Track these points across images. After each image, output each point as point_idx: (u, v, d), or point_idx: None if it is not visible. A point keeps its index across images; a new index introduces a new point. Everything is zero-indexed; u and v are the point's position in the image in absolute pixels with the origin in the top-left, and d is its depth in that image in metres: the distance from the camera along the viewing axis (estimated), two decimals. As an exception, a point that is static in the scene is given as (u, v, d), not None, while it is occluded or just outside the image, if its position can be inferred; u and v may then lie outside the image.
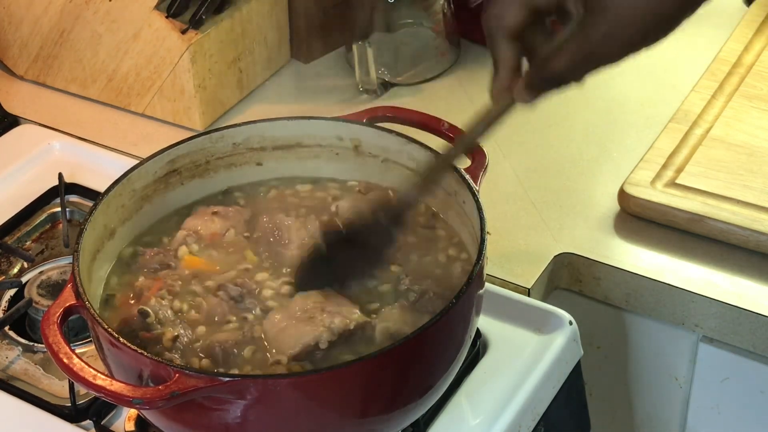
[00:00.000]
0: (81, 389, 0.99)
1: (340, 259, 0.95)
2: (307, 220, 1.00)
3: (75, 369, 0.81)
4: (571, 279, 1.18)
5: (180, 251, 0.99)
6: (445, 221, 1.01)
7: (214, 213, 1.03)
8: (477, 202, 0.94)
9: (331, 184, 1.07)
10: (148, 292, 0.95)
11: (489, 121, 0.90)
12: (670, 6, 0.80)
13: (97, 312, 0.87)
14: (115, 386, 0.80)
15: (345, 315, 0.89)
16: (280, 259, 0.98)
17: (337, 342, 0.88)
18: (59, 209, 1.23)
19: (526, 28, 0.86)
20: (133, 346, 0.83)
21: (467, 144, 0.96)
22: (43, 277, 1.13)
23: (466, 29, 1.51)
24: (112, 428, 0.99)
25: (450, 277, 0.96)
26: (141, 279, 0.97)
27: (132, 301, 0.95)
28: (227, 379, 0.80)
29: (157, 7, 1.32)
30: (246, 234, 1.01)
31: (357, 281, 0.94)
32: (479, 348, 1.05)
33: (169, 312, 0.93)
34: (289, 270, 0.96)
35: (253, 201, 1.05)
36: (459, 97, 1.41)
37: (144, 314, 0.92)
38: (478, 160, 1.01)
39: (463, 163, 1.00)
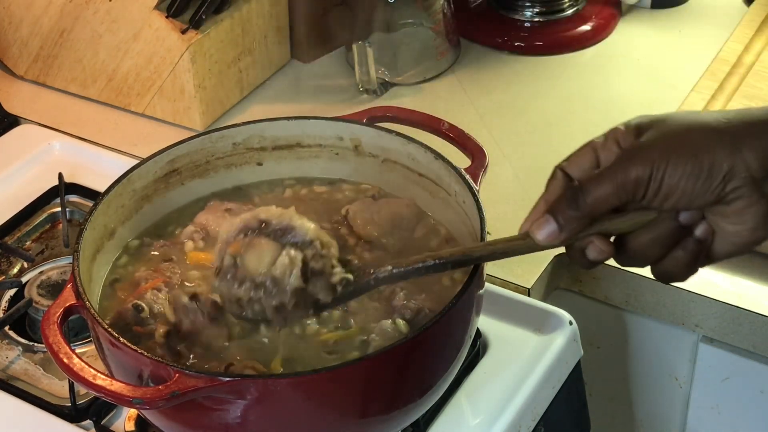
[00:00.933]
0: (81, 389, 0.99)
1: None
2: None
3: (75, 369, 0.81)
4: (571, 279, 1.18)
5: (186, 246, 0.99)
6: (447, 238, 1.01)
7: (227, 210, 1.02)
8: (477, 201, 0.94)
9: (345, 186, 1.06)
10: (146, 284, 0.95)
11: (501, 251, 0.85)
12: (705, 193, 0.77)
13: (97, 310, 0.87)
14: (115, 386, 0.80)
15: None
16: None
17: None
18: (59, 209, 1.23)
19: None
20: (133, 346, 0.83)
21: (462, 259, 0.87)
22: (43, 277, 1.13)
23: (466, 29, 1.51)
24: (112, 428, 0.99)
25: (447, 292, 0.95)
26: (142, 270, 0.97)
27: (131, 293, 0.95)
28: (227, 379, 0.80)
29: (157, 7, 1.32)
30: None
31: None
32: (479, 348, 1.05)
33: (166, 306, 0.93)
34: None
35: (267, 200, 1.05)
36: (459, 97, 1.41)
37: (138, 308, 0.92)
38: (478, 160, 1.01)
39: (463, 163, 1.01)
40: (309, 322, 0.91)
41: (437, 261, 0.86)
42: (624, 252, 0.81)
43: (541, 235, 0.81)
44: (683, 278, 0.81)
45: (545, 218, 0.81)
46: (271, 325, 0.88)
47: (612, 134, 0.82)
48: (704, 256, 0.80)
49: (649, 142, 0.78)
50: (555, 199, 0.81)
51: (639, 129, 0.81)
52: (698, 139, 0.77)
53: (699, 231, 0.80)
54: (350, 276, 0.87)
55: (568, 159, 0.83)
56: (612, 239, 0.81)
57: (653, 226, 0.79)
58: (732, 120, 0.78)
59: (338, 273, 0.87)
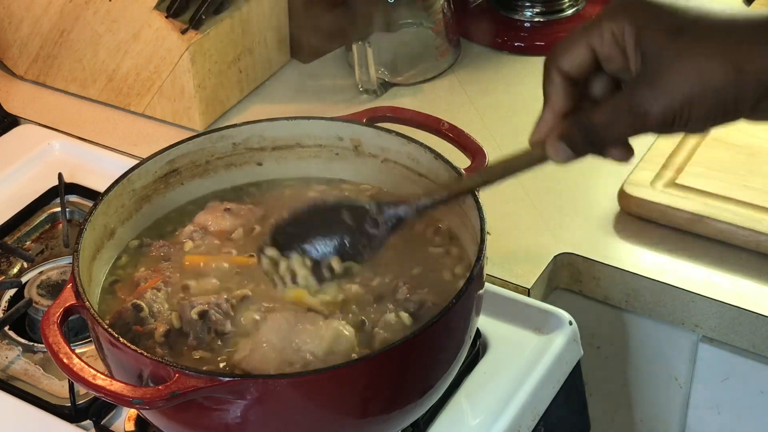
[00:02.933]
0: (81, 389, 0.99)
1: (321, 228, 0.92)
2: None
3: (75, 369, 0.81)
4: (571, 279, 1.18)
5: (186, 245, 0.99)
6: (449, 235, 1.01)
7: (227, 209, 1.03)
8: (477, 202, 0.94)
9: (345, 186, 1.06)
10: (145, 283, 0.95)
11: (516, 166, 0.86)
12: (723, 79, 0.74)
13: (97, 311, 0.87)
14: (115, 386, 0.80)
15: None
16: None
17: None
18: (59, 209, 1.23)
19: (585, 80, 0.81)
20: (133, 347, 0.83)
21: (484, 182, 0.89)
22: (43, 277, 1.13)
23: (466, 29, 1.51)
24: (112, 428, 0.99)
25: (449, 286, 0.95)
26: (142, 270, 0.97)
27: (131, 293, 0.95)
28: (227, 379, 0.80)
29: (157, 7, 1.32)
30: (254, 234, 1.01)
31: (330, 257, 0.92)
32: (479, 348, 1.05)
33: (165, 306, 0.93)
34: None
35: (267, 200, 1.05)
36: (459, 97, 1.41)
37: (137, 308, 0.92)
38: (478, 160, 1.01)
39: (463, 163, 1.01)
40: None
41: (465, 184, 0.91)
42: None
43: (558, 157, 0.82)
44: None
45: (561, 146, 0.81)
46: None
47: (609, 28, 0.78)
48: None
49: (664, 79, 0.76)
50: (567, 129, 0.81)
51: (643, 36, 0.77)
52: (719, 74, 0.75)
53: None
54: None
55: (561, 54, 0.81)
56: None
57: None
58: (734, 41, 0.75)
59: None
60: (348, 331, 0.89)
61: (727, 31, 0.75)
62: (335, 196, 0.93)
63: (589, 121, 0.80)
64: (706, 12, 0.76)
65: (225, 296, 0.93)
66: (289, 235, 0.93)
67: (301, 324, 0.89)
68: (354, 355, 0.88)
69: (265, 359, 0.88)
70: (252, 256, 0.97)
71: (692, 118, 0.76)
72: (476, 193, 0.95)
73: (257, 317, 0.91)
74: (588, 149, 0.81)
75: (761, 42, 0.75)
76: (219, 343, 0.90)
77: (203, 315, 0.90)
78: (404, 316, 0.90)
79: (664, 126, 0.77)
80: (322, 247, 0.93)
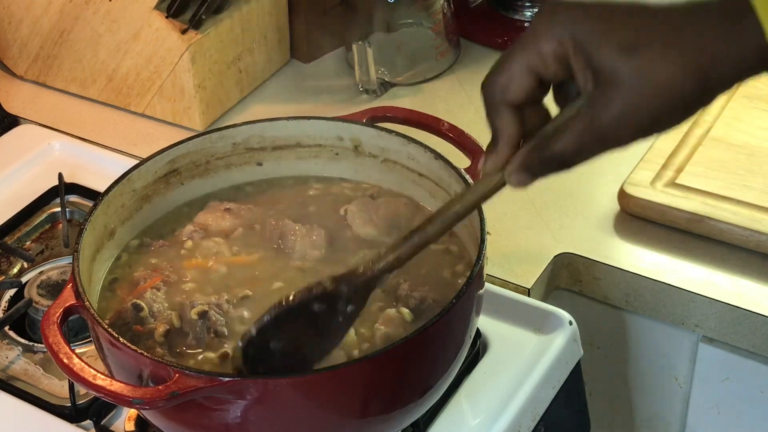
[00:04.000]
0: (81, 389, 0.99)
1: (290, 337, 0.85)
2: (313, 228, 1.00)
3: (75, 369, 0.81)
4: (571, 279, 1.18)
5: (186, 244, 1.00)
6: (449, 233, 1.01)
7: (227, 209, 1.03)
8: (477, 202, 0.94)
9: (344, 184, 1.06)
10: (145, 283, 0.95)
11: (475, 201, 0.83)
12: (690, 89, 0.72)
13: (97, 309, 0.87)
14: (115, 386, 0.80)
15: None
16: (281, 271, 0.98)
17: None
18: (59, 209, 1.23)
19: (528, 105, 0.78)
20: (133, 347, 0.83)
21: (443, 227, 0.84)
22: (43, 277, 1.13)
23: (466, 29, 1.51)
24: (112, 428, 0.99)
25: (449, 283, 0.95)
26: (141, 270, 0.97)
27: (130, 293, 0.95)
28: (227, 379, 0.80)
29: (157, 7, 1.32)
30: (253, 234, 1.01)
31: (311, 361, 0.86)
32: (479, 348, 1.05)
33: (165, 305, 0.93)
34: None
35: (267, 199, 1.05)
36: (459, 97, 1.41)
37: (137, 308, 0.92)
38: (478, 160, 1.01)
39: (463, 163, 1.01)
40: None
41: (426, 232, 0.84)
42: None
43: (518, 183, 0.79)
44: None
45: (523, 176, 0.78)
46: None
47: (547, 49, 0.74)
48: None
49: (622, 98, 0.72)
50: (530, 161, 0.78)
51: (585, 51, 0.73)
52: (665, 76, 0.72)
53: None
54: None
55: (502, 84, 0.77)
56: None
57: None
58: (675, 26, 0.72)
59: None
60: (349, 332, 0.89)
61: (682, 36, 0.72)
62: (297, 295, 0.85)
63: (554, 152, 0.77)
64: (646, 10, 0.73)
65: (225, 296, 0.93)
66: (260, 349, 0.85)
67: None
68: (355, 352, 0.89)
69: None
70: (251, 254, 0.98)
71: (662, 128, 0.75)
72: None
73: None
74: (550, 173, 0.79)
75: (720, 40, 0.71)
76: (218, 342, 0.90)
77: (203, 315, 0.90)
78: (405, 311, 0.91)
79: (633, 142, 0.75)
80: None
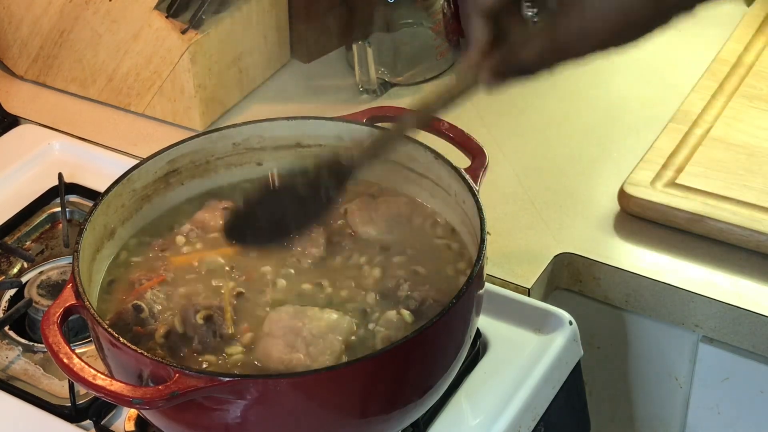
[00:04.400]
0: (81, 389, 0.99)
1: (273, 213, 0.94)
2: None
3: (75, 369, 0.81)
4: (571, 279, 1.18)
5: (177, 239, 1.00)
6: (450, 228, 1.01)
7: (225, 208, 1.03)
8: (477, 202, 0.94)
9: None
10: (144, 284, 0.95)
11: (449, 97, 0.88)
12: (642, 10, 0.79)
13: (96, 309, 0.87)
14: (115, 386, 0.80)
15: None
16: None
17: None
18: (59, 209, 1.23)
19: (503, 12, 0.85)
20: (133, 347, 0.83)
21: (422, 117, 0.92)
22: (43, 277, 1.13)
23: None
24: (112, 428, 0.99)
25: (450, 283, 0.95)
26: (138, 271, 0.97)
27: (129, 293, 0.95)
28: (227, 379, 0.80)
29: (157, 7, 1.32)
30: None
31: (291, 235, 0.95)
32: (479, 348, 1.05)
33: (166, 306, 0.93)
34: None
35: None
36: (459, 97, 1.41)
37: (138, 309, 0.92)
38: (479, 160, 1.01)
39: (463, 163, 1.01)
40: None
41: (403, 123, 0.93)
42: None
43: (488, 84, 0.85)
44: None
45: (491, 76, 0.84)
46: None
47: None
48: None
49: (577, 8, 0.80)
50: (498, 67, 0.84)
51: None
52: None
53: None
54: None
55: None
56: None
57: None
58: None
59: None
60: (345, 317, 0.90)
61: None
62: (282, 176, 0.95)
63: (519, 60, 0.84)
64: None
65: (226, 296, 0.93)
66: (246, 219, 0.95)
67: (300, 315, 0.90)
68: (353, 338, 0.89)
69: (268, 347, 0.88)
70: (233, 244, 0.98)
71: (620, 43, 0.80)
72: (476, 195, 0.95)
73: (258, 313, 0.92)
74: (516, 78, 0.85)
75: None
76: (222, 344, 0.90)
77: (209, 319, 0.90)
78: (405, 313, 0.91)
79: (591, 52, 0.81)
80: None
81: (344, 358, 0.88)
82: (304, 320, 0.89)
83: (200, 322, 0.90)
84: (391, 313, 0.91)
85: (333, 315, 0.90)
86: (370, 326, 0.91)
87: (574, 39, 0.80)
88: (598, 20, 0.79)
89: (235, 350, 0.89)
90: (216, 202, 1.04)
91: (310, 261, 0.98)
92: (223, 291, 0.94)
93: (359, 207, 1.02)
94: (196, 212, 1.03)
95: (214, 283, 0.96)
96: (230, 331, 0.90)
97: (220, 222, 1.01)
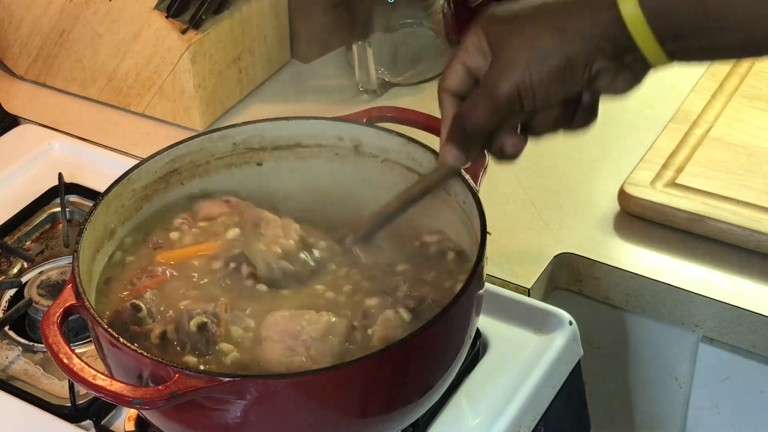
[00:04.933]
0: (81, 389, 0.99)
1: None
2: (288, 223, 1.00)
3: (75, 369, 0.81)
4: (571, 279, 1.18)
5: (171, 235, 1.00)
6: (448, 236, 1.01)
7: (227, 201, 1.03)
8: (477, 202, 0.94)
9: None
10: (140, 283, 0.95)
11: (428, 184, 0.94)
12: (558, 61, 0.81)
13: (95, 307, 0.87)
14: (115, 386, 0.80)
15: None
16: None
17: None
18: (59, 209, 1.23)
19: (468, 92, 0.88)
20: (133, 347, 0.83)
21: (401, 206, 0.96)
22: (43, 277, 1.13)
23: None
24: (112, 428, 0.99)
25: (449, 284, 0.95)
26: (135, 270, 0.97)
27: (127, 292, 0.95)
28: (227, 379, 0.80)
29: (157, 7, 1.32)
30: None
31: None
32: (479, 348, 1.04)
33: (163, 306, 0.93)
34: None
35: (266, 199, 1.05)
36: (459, 97, 1.41)
37: (136, 308, 0.92)
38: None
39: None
40: None
41: (389, 210, 0.96)
42: (534, 134, 0.89)
43: (451, 160, 0.89)
44: (589, 125, 0.90)
45: (448, 147, 0.88)
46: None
47: (467, 44, 0.87)
48: (598, 104, 0.88)
49: (503, 60, 0.83)
50: (448, 131, 0.88)
51: (486, 31, 0.85)
52: (547, 43, 0.82)
53: (585, 98, 0.87)
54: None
55: (444, 80, 0.89)
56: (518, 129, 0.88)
57: (546, 111, 0.86)
58: (572, 9, 0.82)
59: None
60: (343, 319, 0.90)
61: (552, 6, 0.83)
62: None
63: (458, 112, 0.86)
64: (539, 6, 0.84)
65: (218, 303, 0.93)
66: None
67: (297, 318, 0.90)
68: (352, 338, 0.89)
69: (266, 351, 0.88)
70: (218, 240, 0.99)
71: (535, 86, 0.82)
72: (476, 195, 0.95)
73: (252, 323, 0.91)
74: (470, 142, 0.87)
75: (578, 7, 0.82)
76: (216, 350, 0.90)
77: (202, 327, 0.89)
78: (404, 313, 0.90)
79: (515, 100, 0.83)
80: None
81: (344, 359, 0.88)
82: (302, 323, 0.89)
83: (193, 329, 0.89)
84: (389, 313, 0.91)
85: (331, 317, 0.90)
86: (368, 327, 0.91)
87: (505, 94, 0.83)
88: (521, 72, 0.82)
89: (231, 356, 0.89)
90: (221, 197, 1.04)
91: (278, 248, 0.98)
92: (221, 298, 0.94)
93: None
94: (198, 203, 1.03)
95: (209, 280, 0.96)
96: (223, 339, 0.90)
97: (213, 211, 1.01)
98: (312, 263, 0.96)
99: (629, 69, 0.83)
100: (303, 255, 0.96)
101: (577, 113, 0.87)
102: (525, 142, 0.88)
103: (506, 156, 0.89)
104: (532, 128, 0.88)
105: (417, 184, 0.96)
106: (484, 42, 0.85)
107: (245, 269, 0.95)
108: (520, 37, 0.83)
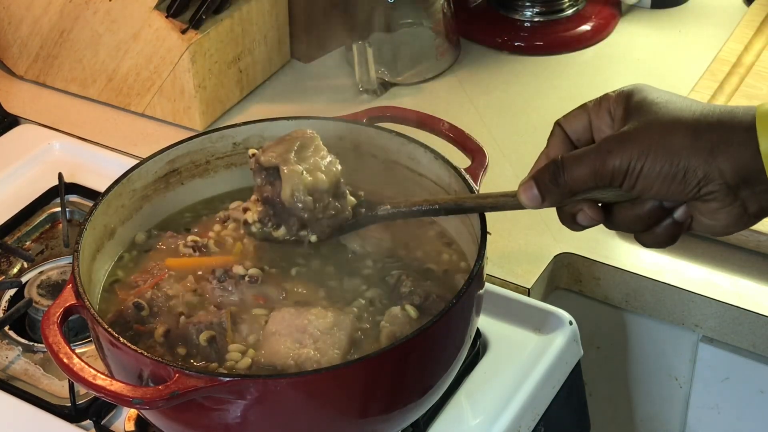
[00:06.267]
0: (81, 389, 0.99)
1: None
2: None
3: (75, 369, 0.81)
4: (571, 279, 1.18)
5: (179, 245, 1.00)
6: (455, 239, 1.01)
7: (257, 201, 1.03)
8: (477, 202, 0.94)
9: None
10: (151, 281, 0.95)
11: (490, 205, 0.91)
12: (693, 164, 0.79)
13: (97, 309, 0.87)
14: (115, 386, 0.80)
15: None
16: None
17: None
18: (59, 209, 1.23)
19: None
20: (133, 346, 0.83)
21: (454, 207, 0.93)
22: (43, 277, 1.13)
23: (466, 29, 1.51)
24: (112, 428, 0.99)
25: (451, 282, 0.95)
26: (137, 273, 0.97)
27: (132, 292, 0.95)
28: (227, 379, 0.80)
29: (157, 7, 1.32)
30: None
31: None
32: (479, 348, 1.05)
33: (167, 306, 0.93)
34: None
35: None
36: (459, 97, 1.41)
37: (139, 306, 0.92)
38: (478, 160, 1.01)
39: (463, 163, 1.01)
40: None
41: (432, 206, 0.92)
42: (610, 221, 0.85)
43: (524, 197, 0.85)
44: (662, 247, 0.85)
45: (530, 183, 0.85)
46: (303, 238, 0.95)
47: (605, 101, 0.86)
48: (683, 232, 0.84)
49: (631, 134, 0.81)
50: (539, 169, 0.85)
51: (628, 103, 0.83)
52: (677, 142, 0.79)
53: (678, 214, 0.83)
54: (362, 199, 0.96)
55: (566, 116, 0.87)
56: (600, 205, 0.85)
57: (637, 205, 0.83)
58: (713, 124, 0.79)
59: (351, 200, 0.95)
60: (349, 315, 0.90)
61: (700, 112, 0.81)
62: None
63: (560, 158, 0.83)
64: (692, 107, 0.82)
65: (222, 312, 0.92)
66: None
67: (303, 313, 0.90)
68: (358, 333, 0.90)
69: (275, 345, 0.88)
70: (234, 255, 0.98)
71: (644, 173, 0.79)
72: (475, 191, 0.95)
73: (261, 322, 0.91)
74: (554, 192, 0.84)
75: (720, 124, 0.79)
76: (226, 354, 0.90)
77: (211, 340, 0.89)
78: (410, 308, 0.91)
79: (619, 175, 0.81)
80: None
81: (352, 353, 0.88)
82: (309, 317, 0.89)
83: (204, 344, 0.89)
84: (396, 309, 0.91)
85: (337, 313, 0.90)
86: (375, 322, 0.91)
87: (614, 149, 0.81)
88: (642, 144, 0.80)
89: (242, 360, 0.89)
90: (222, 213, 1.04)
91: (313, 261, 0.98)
92: (223, 310, 0.93)
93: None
94: (201, 220, 1.03)
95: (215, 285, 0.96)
96: (231, 345, 0.90)
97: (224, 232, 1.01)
98: (332, 211, 0.94)
99: (739, 203, 0.80)
100: (330, 200, 0.94)
101: (659, 226, 0.84)
102: (599, 220, 0.85)
103: (575, 223, 0.86)
104: (612, 215, 0.85)
105: (463, 199, 0.93)
106: (621, 109, 0.83)
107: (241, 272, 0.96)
108: (657, 124, 0.80)
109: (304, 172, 0.93)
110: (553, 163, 0.83)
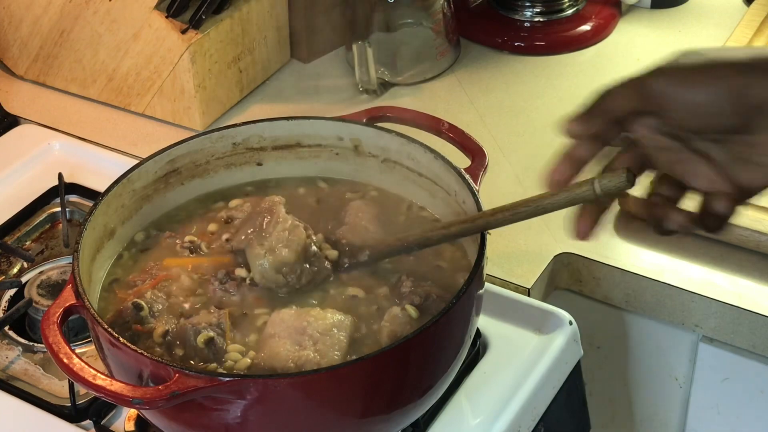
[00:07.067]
0: (81, 389, 0.99)
1: None
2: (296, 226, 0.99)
3: (75, 369, 0.81)
4: (571, 279, 1.18)
5: (177, 245, 1.00)
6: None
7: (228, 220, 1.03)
8: (477, 202, 0.94)
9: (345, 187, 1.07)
10: (150, 281, 0.95)
11: (461, 231, 0.92)
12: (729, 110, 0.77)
13: (97, 309, 0.87)
14: (115, 386, 0.80)
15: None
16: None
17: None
18: (59, 209, 1.23)
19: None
20: (133, 347, 0.83)
21: (482, 225, 0.92)
22: (43, 277, 1.13)
23: (466, 29, 1.51)
24: (112, 428, 0.99)
25: (451, 281, 0.95)
26: (136, 273, 0.97)
27: (131, 291, 0.95)
28: (227, 379, 0.80)
29: (157, 7, 1.32)
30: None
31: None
32: (479, 348, 1.05)
33: (166, 305, 0.93)
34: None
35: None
36: (459, 97, 1.41)
37: (138, 307, 0.92)
38: (478, 160, 1.01)
39: (463, 163, 1.01)
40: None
41: (402, 244, 0.95)
42: (660, 225, 0.87)
43: (569, 127, 0.84)
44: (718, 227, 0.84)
45: (571, 122, 0.84)
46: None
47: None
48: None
49: (672, 64, 0.79)
50: (585, 107, 0.83)
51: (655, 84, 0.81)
52: (724, 72, 0.77)
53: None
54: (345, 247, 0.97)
55: (609, 94, 0.83)
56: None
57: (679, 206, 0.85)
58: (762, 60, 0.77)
59: (333, 253, 0.96)
60: (348, 316, 0.90)
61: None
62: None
63: (602, 95, 0.82)
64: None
65: (221, 312, 0.92)
66: None
67: (303, 315, 0.90)
68: (358, 334, 0.90)
69: (274, 347, 0.88)
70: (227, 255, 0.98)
71: (688, 97, 0.78)
72: (476, 195, 0.95)
73: (260, 323, 0.91)
74: (593, 118, 0.83)
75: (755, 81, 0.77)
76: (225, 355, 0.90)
77: (209, 342, 0.89)
78: (410, 308, 0.91)
79: (660, 94, 0.80)
80: None
81: (352, 354, 0.88)
82: (308, 319, 0.89)
83: (201, 345, 0.89)
84: (396, 309, 0.91)
85: (336, 314, 0.90)
86: (375, 323, 0.91)
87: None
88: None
89: (241, 361, 0.89)
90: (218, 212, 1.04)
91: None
92: (222, 311, 0.93)
93: (353, 219, 1.01)
94: (200, 220, 1.03)
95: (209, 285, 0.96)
96: (230, 345, 0.90)
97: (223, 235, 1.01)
98: (308, 277, 0.95)
99: None
100: (304, 266, 0.94)
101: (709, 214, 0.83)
102: (686, 221, 0.85)
103: (664, 231, 0.87)
104: (661, 219, 0.86)
105: (428, 232, 0.94)
106: (674, 71, 0.80)
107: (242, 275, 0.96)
108: (704, 59, 0.79)
109: (266, 254, 0.93)
110: (594, 99, 0.82)
